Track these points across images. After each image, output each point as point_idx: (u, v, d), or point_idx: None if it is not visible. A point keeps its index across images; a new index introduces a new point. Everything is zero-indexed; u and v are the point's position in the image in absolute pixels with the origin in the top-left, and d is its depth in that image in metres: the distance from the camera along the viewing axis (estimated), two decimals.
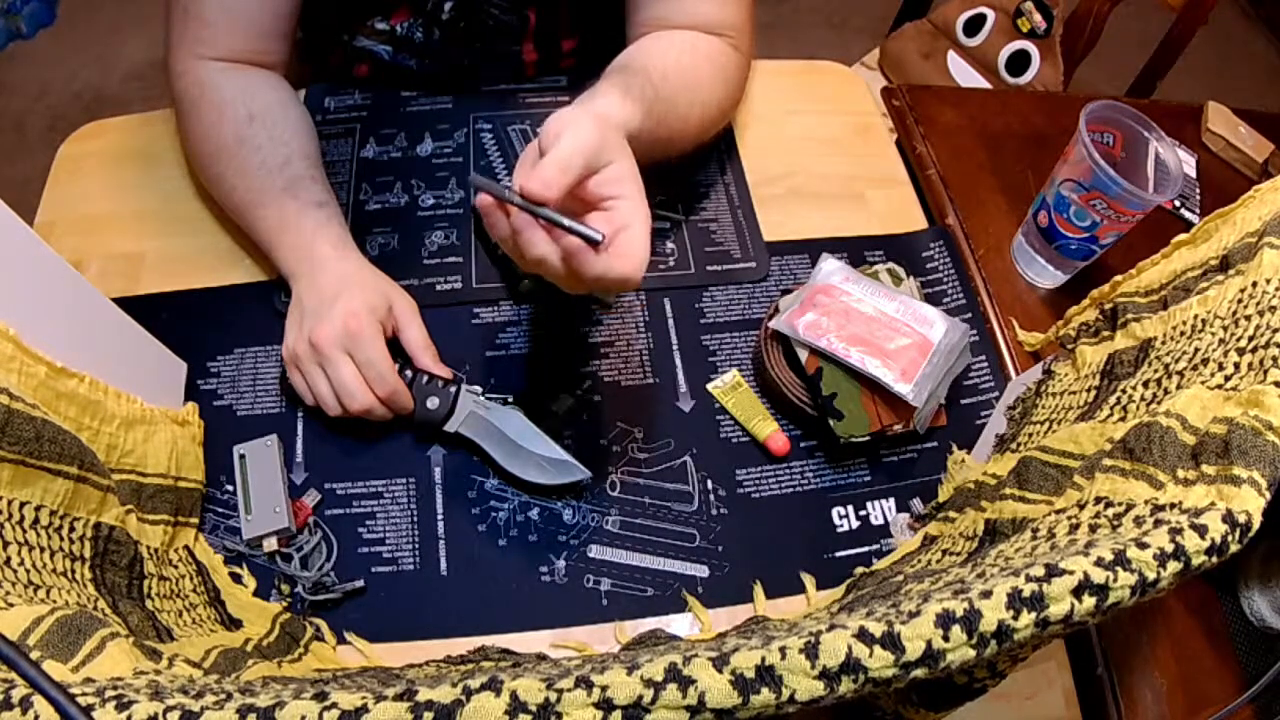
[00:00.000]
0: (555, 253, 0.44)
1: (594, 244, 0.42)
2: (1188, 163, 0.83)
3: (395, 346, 0.59)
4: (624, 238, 0.44)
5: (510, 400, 0.58)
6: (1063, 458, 0.44)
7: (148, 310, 0.57)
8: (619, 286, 0.44)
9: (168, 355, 0.58)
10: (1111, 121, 0.65)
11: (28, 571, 0.37)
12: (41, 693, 0.20)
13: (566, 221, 0.42)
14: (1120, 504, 0.34)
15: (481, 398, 0.58)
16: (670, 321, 0.66)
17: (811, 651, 0.23)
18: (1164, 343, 0.45)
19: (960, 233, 0.73)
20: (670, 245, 0.70)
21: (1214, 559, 0.26)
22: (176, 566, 0.50)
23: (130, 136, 0.73)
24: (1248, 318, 0.38)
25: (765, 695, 0.23)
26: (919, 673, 0.23)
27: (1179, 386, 0.39)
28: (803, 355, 0.59)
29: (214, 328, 0.63)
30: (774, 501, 0.59)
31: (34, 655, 0.31)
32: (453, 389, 0.58)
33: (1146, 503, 0.32)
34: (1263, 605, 0.54)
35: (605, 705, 0.22)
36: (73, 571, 0.40)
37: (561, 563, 0.56)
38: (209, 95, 0.61)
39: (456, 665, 0.50)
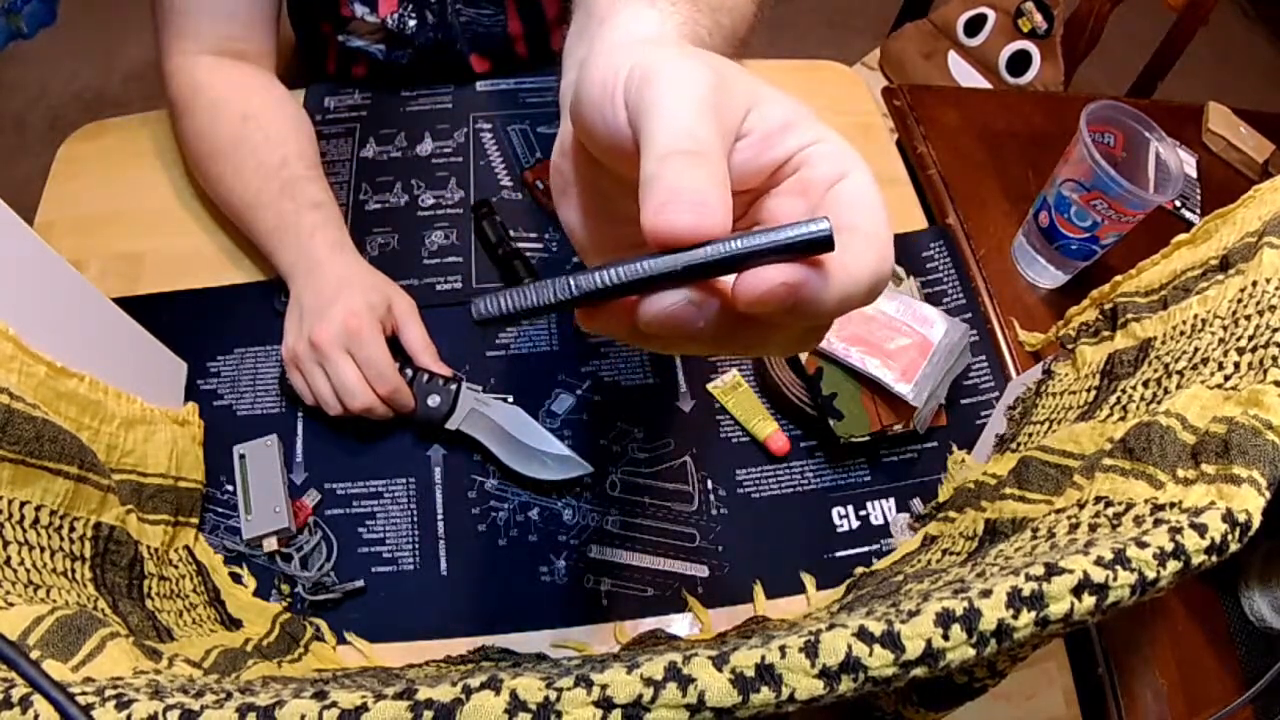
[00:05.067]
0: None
1: (826, 243, 0.21)
2: (1188, 163, 0.83)
3: (395, 346, 0.59)
4: (849, 202, 0.23)
5: (510, 400, 0.58)
6: (1063, 457, 0.44)
7: (148, 310, 0.57)
8: (873, 290, 0.22)
9: (168, 355, 0.58)
10: (1112, 121, 0.65)
11: (28, 571, 0.37)
12: (41, 692, 0.20)
13: (748, 243, 0.21)
14: (1120, 503, 0.34)
15: (482, 395, 0.58)
16: None
17: (811, 650, 0.23)
18: (1164, 342, 0.45)
19: (960, 233, 0.73)
20: None
21: (1214, 558, 0.26)
22: (176, 566, 0.50)
23: (130, 136, 0.73)
24: (1248, 317, 0.38)
25: (765, 694, 0.23)
26: (919, 672, 0.23)
27: (1179, 386, 0.39)
28: (803, 355, 0.59)
29: (214, 328, 0.63)
30: (774, 501, 0.59)
31: (34, 655, 0.31)
32: (453, 387, 0.58)
33: (1146, 502, 0.32)
34: (1263, 605, 0.54)
35: (605, 704, 0.22)
36: (73, 571, 0.40)
37: (561, 563, 0.56)
38: (203, 95, 0.61)
39: (456, 665, 0.50)
